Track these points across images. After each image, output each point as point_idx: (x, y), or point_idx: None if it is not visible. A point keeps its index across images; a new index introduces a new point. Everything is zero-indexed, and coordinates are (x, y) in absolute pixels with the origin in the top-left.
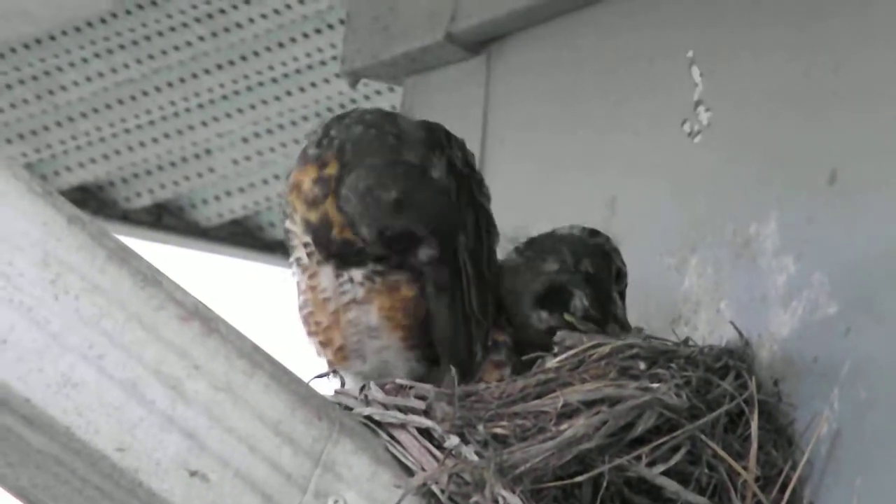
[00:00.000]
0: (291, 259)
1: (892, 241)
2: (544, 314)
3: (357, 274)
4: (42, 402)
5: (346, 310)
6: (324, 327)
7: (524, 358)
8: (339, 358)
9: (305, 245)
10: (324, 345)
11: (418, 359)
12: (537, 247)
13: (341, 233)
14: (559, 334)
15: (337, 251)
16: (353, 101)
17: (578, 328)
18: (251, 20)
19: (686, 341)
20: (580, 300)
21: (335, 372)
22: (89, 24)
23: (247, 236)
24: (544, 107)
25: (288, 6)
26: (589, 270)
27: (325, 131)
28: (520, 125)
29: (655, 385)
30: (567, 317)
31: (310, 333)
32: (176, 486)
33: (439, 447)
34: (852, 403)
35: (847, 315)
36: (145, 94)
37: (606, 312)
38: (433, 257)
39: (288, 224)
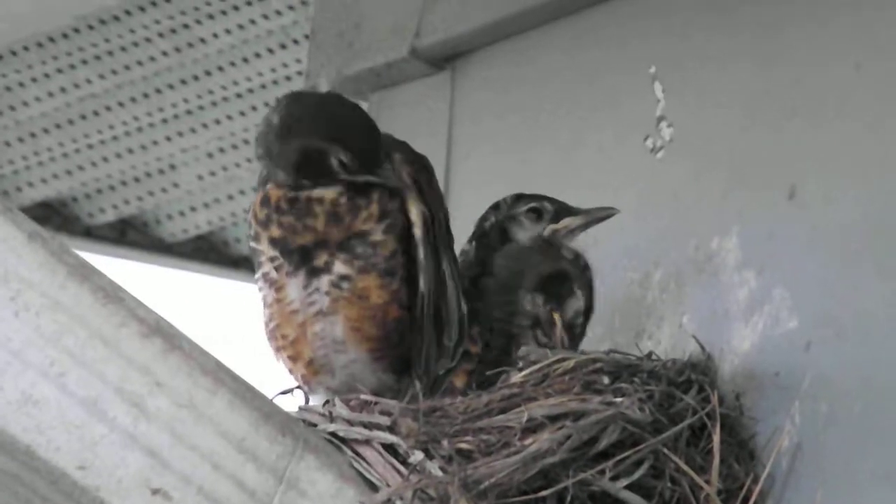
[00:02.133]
0: (258, 275)
1: (852, 255)
2: (539, 299)
3: (324, 283)
4: (2, 420)
5: (312, 322)
6: (291, 340)
7: (488, 373)
8: (311, 372)
9: (272, 259)
10: (293, 359)
11: (386, 370)
12: (555, 232)
13: (278, 210)
14: (523, 349)
15: (304, 248)
16: None
17: (553, 333)
18: (215, 35)
19: (649, 355)
20: (579, 301)
21: (299, 388)
22: (51, 39)
23: (212, 252)
24: (509, 122)
25: (252, 21)
26: (592, 279)
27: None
28: (484, 140)
29: (619, 399)
30: (555, 315)
31: (277, 350)
32: None
33: (404, 463)
34: (813, 417)
35: (808, 329)
36: (109, 109)
37: (584, 329)
38: (356, 170)
39: (253, 244)
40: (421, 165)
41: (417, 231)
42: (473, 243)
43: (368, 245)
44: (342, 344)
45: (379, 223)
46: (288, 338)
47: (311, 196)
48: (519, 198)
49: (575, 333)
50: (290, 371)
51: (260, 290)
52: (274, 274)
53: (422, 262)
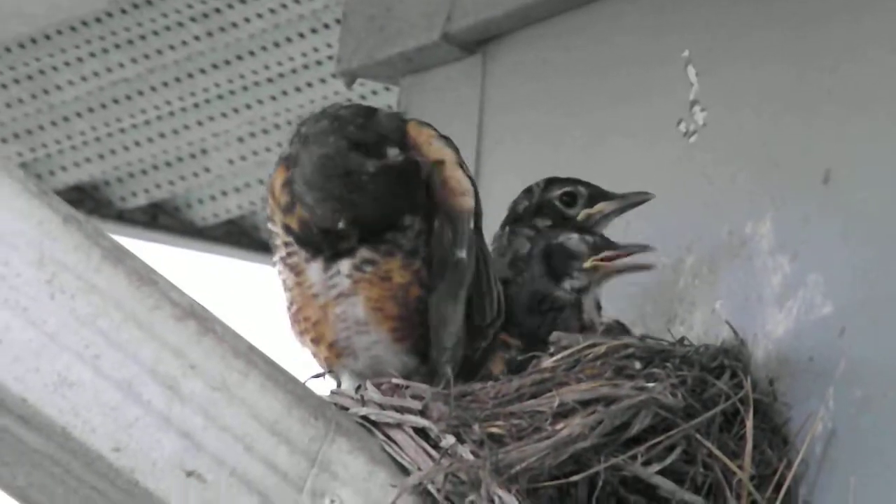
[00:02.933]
0: (276, 258)
1: (887, 240)
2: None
3: (345, 265)
4: (38, 401)
5: (334, 304)
6: (313, 322)
7: (520, 358)
8: (333, 354)
9: (287, 244)
10: (316, 342)
11: (408, 352)
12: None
13: (306, 225)
14: (554, 334)
15: (321, 243)
16: (350, 100)
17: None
18: (247, 19)
19: (682, 341)
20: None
21: (331, 371)
22: (84, 24)
23: (242, 236)
24: (540, 106)
25: (283, 5)
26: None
27: (296, 129)
28: (516, 125)
29: (651, 384)
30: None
31: (300, 333)
32: (172, 486)
33: (435, 447)
34: (847, 402)
35: (842, 315)
36: (140, 93)
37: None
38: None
39: (270, 226)
40: (450, 142)
41: (469, 200)
42: (507, 228)
43: (399, 230)
44: (364, 325)
45: (411, 212)
46: (310, 320)
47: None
48: (552, 182)
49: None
50: (314, 355)
51: (279, 273)
52: (293, 259)
53: (469, 235)
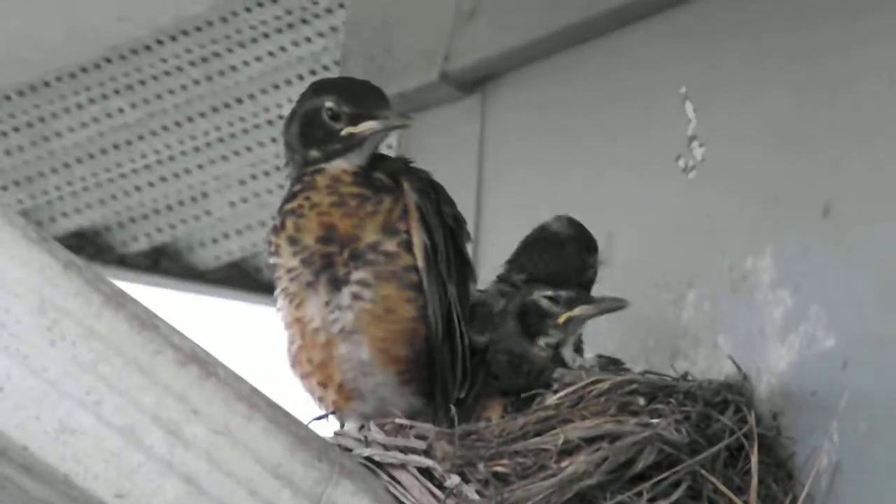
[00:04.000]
0: (277, 293)
1: (888, 272)
2: (540, 342)
3: (345, 297)
4: (40, 449)
5: (337, 343)
6: (317, 364)
7: (523, 395)
8: (343, 398)
9: (290, 270)
10: (323, 385)
11: (415, 393)
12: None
13: (305, 189)
14: (558, 371)
15: (320, 253)
16: None
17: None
18: (246, 63)
19: (685, 376)
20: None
21: (334, 413)
22: (83, 70)
23: (245, 278)
24: (540, 144)
25: (282, 48)
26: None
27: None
28: (516, 162)
29: (655, 421)
30: (561, 318)
31: (304, 377)
32: None
33: (440, 487)
34: (852, 436)
35: (844, 347)
36: (141, 138)
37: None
38: (351, 114)
39: (272, 259)
40: (426, 189)
41: (419, 262)
42: (498, 285)
43: (381, 254)
44: (369, 366)
45: (389, 236)
46: (313, 362)
47: (315, 170)
48: (532, 284)
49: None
50: (320, 399)
51: (279, 310)
52: (293, 287)
53: (426, 290)
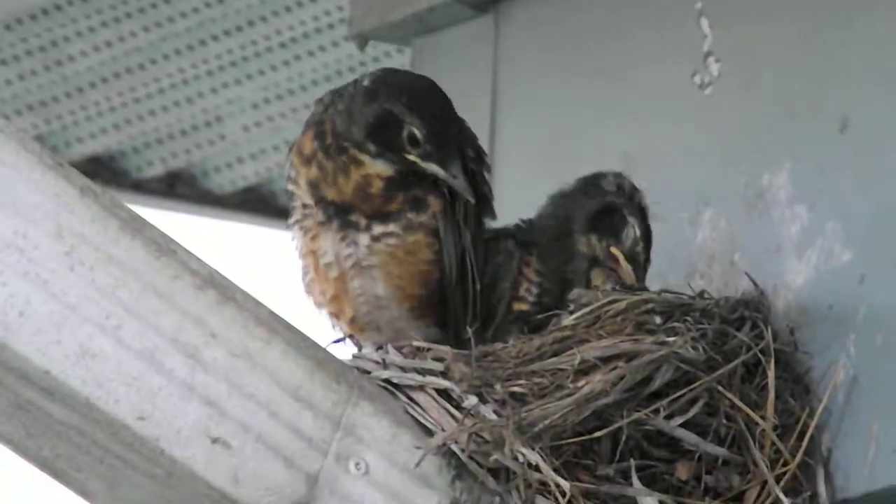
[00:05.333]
0: (291, 221)
1: None
2: (594, 238)
3: (363, 237)
4: (61, 373)
5: (351, 277)
6: (330, 297)
7: (539, 317)
8: (356, 329)
9: (305, 206)
10: (335, 316)
11: (430, 325)
12: (592, 175)
13: (339, 159)
14: (574, 292)
15: (339, 206)
16: (363, 63)
17: (619, 267)
18: None
19: (701, 294)
20: (633, 229)
21: (352, 337)
22: None
23: (260, 203)
24: (554, 63)
25: None
26: (642, 204)
27: (330, 99)
28: (530, 82)
29: (672, 339)
30: (614, 250)
31: (317, 304)
32: (198, 453)
33: (458, 407)
34: (868, 349)
35: (861, 262)
36: (153, 62)
37: (648, 254)
38: (425, 150)
39: (290, 186)
40: None
41: (438, 210)
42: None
43: (405, 218)
44: (384, 300)
45: (410, 208)
46: (326, 294)
47: (357, 158)
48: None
49: (638, 262)
50: (334, 326)
51: (293, 238)
52: (307, 222)
53: (442, 237)
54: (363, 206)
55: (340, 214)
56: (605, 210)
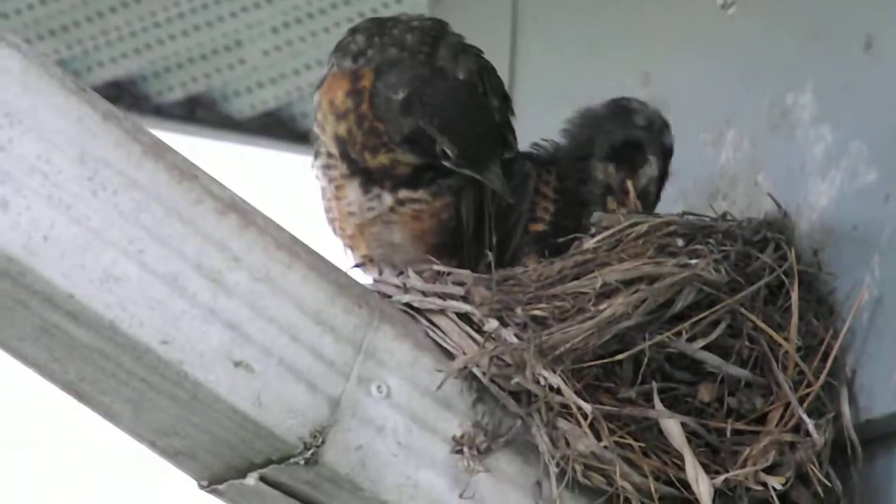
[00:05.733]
0: (316, 163)
1: None
2: (611, 168)
3: (388, 198)
4: (85, 297)
5: (371, 224)
6: (348, 234)
7: (560, 240)
8: (370, 263)
9: (330, 156)
10: (351, 248)
11: (445, 263)
12: (625, 102)
13: (370, 139)
14: (595, 215)
15: (363, 168)
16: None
17: (627, 200)
18: None
19: (724, 216)
20: (651, 168)
21: (372, 261)
22: None
23: (280, 127)
24: None
25: None
26: (667, 144)
27: (366, 42)
28: (550, 8)
29: (694, 261)
30: (629, 182)
31: (335, 233)
32: (221, 377)
33: (479, 331)
34: (893, 270)
35: (886, 182)
36: None
37: (659, 193)
38: (459, 163)
39: (316, 129)
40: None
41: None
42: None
43: (435, 184)
44: (399, 246)
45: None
46: (346, 232)
47: (388, 146)
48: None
49: (649, 201)
50: (346, 253)
51: (317, 178)
52: (332, 172)
53: (462, 197)
54: (385, 178)
55: (365, 173)
56: (628, 143)
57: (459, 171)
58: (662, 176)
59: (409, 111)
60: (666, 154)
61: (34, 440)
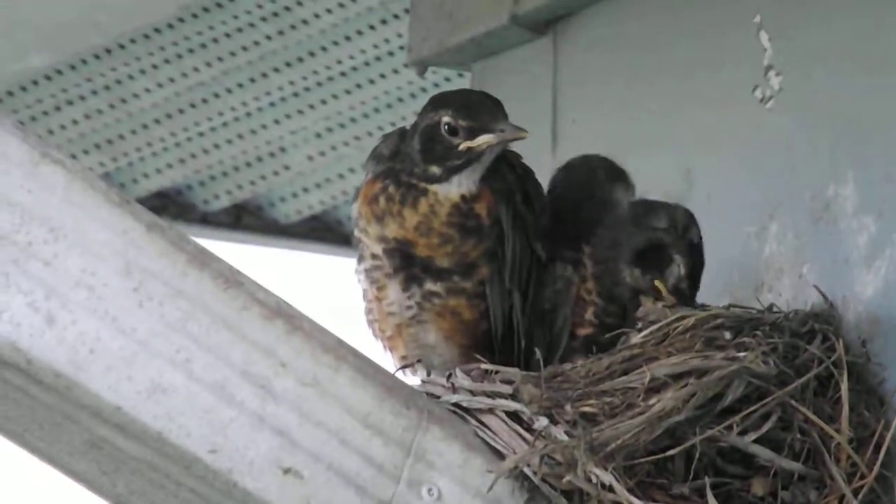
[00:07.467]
0: (359, 268)
1: None
2: (637, 272)
3: (418, 295)
4: (133, 409)
5: (408, 325)
6: (388, 336)
7: (608, 336)
8: (409, 364)
9: (374, 256)
10: (391, 350)
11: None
12: (647, 204)
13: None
14: (641, 310)
15: (400, 249)
16: (423, 89)
17: (662, 299)
18: (316, 16)
19: (771, 308)
20: (678, 268)
21: (419, 362)
22: (157, 31)
23: (326, 231)
24: (614, 83)
25: None
26: (693, 240)
27: (394, 149)
28: (590, 103)
29: (742, 354)
30: (657, 283)
31: (374, 335)
32: (270, 484)
33: (529, 429)
34: None
35: None
36: (217, 96)
37: (694, 290)
38: (466, 134)
39: (357, 233)
40: (509, 192)
41: (485, 276)
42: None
43: (453, 274)
44: (434, 347)
45: (462, 268)
46: (385, 333)
47: (421, 190)
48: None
49: (684, 294)
50: (386, 352)
51: (359, 282)
52: (376, 273)
53: (489, 298)
54: (421, 248)
55: (405, 266)
56: (651, 247)
57: (477, 144)
58: (694, 273)
59: (416, 126)
60: (693, 251)
61: None
